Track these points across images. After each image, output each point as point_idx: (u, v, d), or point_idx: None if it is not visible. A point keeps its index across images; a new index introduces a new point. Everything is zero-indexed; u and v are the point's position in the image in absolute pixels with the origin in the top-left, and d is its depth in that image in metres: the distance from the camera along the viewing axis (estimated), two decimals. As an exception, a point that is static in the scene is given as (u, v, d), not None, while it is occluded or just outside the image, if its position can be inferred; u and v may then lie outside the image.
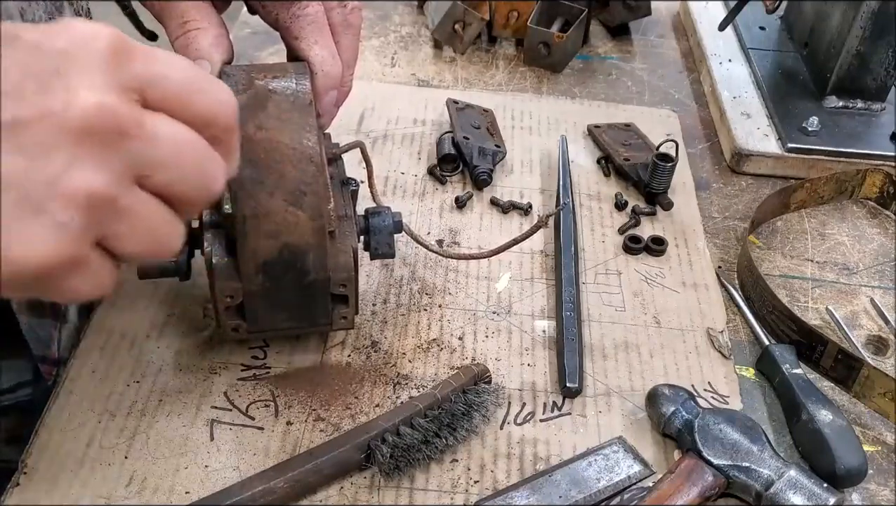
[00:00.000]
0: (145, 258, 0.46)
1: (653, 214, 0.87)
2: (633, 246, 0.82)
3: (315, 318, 0.63)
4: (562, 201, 0.84)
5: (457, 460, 0.63)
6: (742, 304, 0.77)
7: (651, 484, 0.61)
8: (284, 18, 0.61)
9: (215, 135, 0.43)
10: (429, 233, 0.83)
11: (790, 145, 0.94)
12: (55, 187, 0.37)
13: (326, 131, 0.69)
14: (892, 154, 0.94)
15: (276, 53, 1.07)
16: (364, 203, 0.74)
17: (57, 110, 0.37)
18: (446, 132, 0.93)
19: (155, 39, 0.75)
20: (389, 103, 0.99)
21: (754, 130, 0.97)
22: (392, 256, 0.68)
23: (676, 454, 0.64)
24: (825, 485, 0.59)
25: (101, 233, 0.40)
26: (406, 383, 0.68)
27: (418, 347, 0.71)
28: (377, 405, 0.66)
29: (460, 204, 0.86)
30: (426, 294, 0.76)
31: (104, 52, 0.39)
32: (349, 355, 0.70)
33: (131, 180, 0.40)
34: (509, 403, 0.67)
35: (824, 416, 0.64)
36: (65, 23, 0.40)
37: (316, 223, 0.56)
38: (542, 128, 0.99)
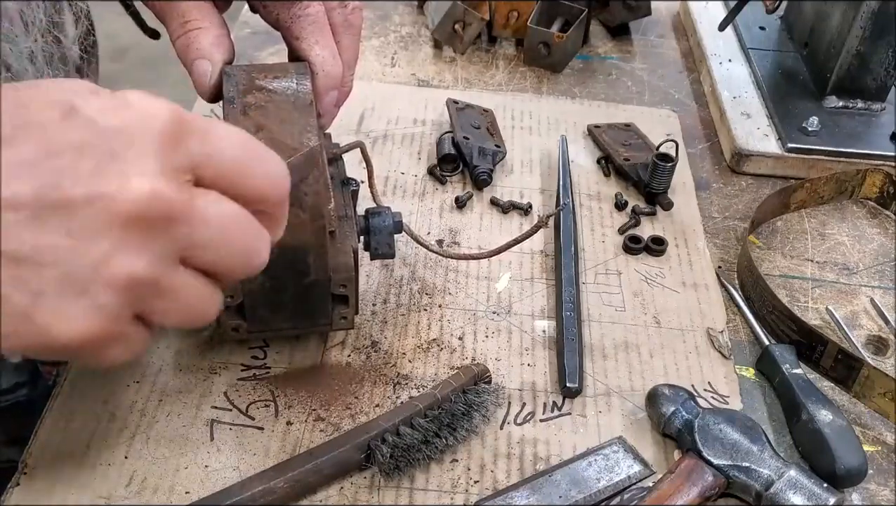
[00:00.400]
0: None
1: (653, 214, 0.87)
2: (633, 246, 0.82)
3: (315, 318, 0.63)
4: (562, 201, 0.84)
5: (457, 460, 0.63)
6: (742, 304, 0.77)
7: (651, 484, 0.61)
8: (285, 18, 0.61)
9: (264, 208, 0.43)
10: (429, 233, 0.83)
11: (790, 145, 0.94)
12: (98, 271, 0.37)
13: (327, 131, 0.69)
14: (892, 154, 0.94)
15: (276, 53, 1.07)
16: (364, 203, 0.74)
17: (109, 195, 0.37)
18: (446, 132, 0.93)
19: (157, 38, 0.75)
20: (389, 103, 0.99)
21: (754, 130, 0.97)
22: (392, 256, 0.68)
23: (676, 454, 0.64)
24: (825, 485, 0.59)
25: (140, 310, 0.40)
26: (406, 383, 0.68)
27: (418, 347, 0.71)
28: (377, 405, 0.66)
29: (460, 204, 0.86)
30: (426, 294, 0.76)
31: (161, 133, 0.38)
32: (349, 355, 0.70)
33: (175, 261, 0.40)
34: (509, 403, 0.67)
35: (824, 416, 0.64)
36: (125, 98, 0.39)
37: (316, 223, 0.56)
38: (542, 128, 0.99)
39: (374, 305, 0.74)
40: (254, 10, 0.65)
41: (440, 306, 0.75)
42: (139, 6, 0.68)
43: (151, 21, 0.68)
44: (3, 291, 0.36)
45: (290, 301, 0.61)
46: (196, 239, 0.40)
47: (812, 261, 0.84)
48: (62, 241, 0.36)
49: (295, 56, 0.62)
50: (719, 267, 0.82)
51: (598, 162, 0.94)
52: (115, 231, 0.37)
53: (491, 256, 0.73)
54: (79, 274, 0.37)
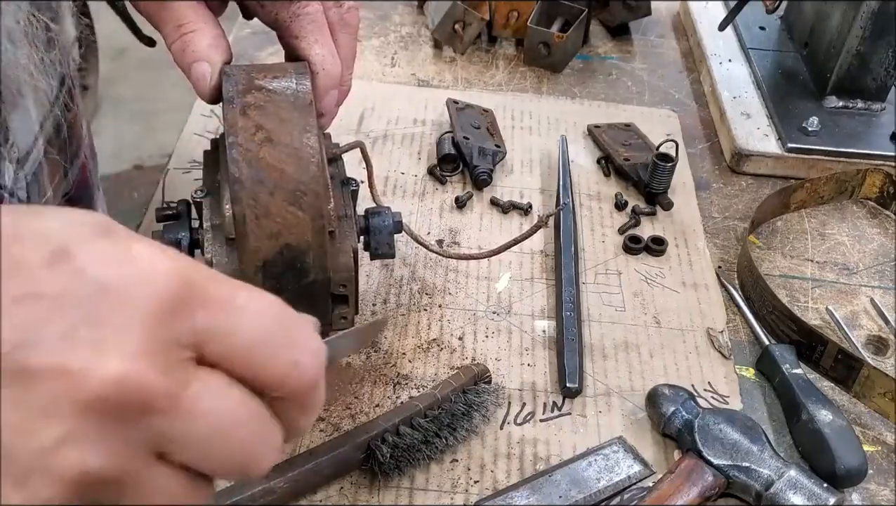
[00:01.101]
0: None
1: (653, 214, 0.87)
2: (633, 246, 0.82)
3: (315, 318, 0.63)
4: (561, 201, 0.84)
5: (457, 460, 0.63)
6: (742, 304, 0.77)
7: (651, 484, 0.61)
8: (284, 17, 0.60)
9: (286, 397, 0.35)
10: (429, 233, 0.83)
11: (790, 145, 0.94)
12: (44, 461, 0.30)
13: (326, 131, 0.69)
14: (892, 154, 0.94)
15: (275, 53, 1.07)
16: (364, 203, 0.74)
17: (73, 371, 0.30)
18: (446, 132, 0.93)
19: (153, 45, 0.74)
20: (389, 103, 0.99)
21: (754, 130, 0.97)
22: (392, 256, 0.68)
23: (676, 454, 0.64)
24: (825, 485, 0.59)
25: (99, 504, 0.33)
26: (406, 383, 0.68)
27: (418, 347, 0.71)
28: (377, 405, 0.66)
29: (460, 204, 0.86)
30: (426, 294, 0.76)
31: (158, 299, 0.31)
32: (349, 355, 0.70)
33: (148, 455, 0.32)
34: (509, 403, 0.67)
35: (824, 416, 0.64)
36: (129, 249, 0.32)
37: (316, 223, 0.56)
38: (542, 128, 0.99)
39: (374, 305, 0.74)
40: (248, 16, 0.64)
41: (440, 306, 0.75)
42: (133, 13, 0.67)
43: (145, 27, 0.67)
44: None
45: (290, 301, 0.60)
46: (176, 434, 0.32)
47: (812, 261, 0.84)
48: (11, 417, 0.30)
49: (293, 56, 0.62)
50: (719, 267, 0.82)
51: (598, 162, 0.94)
52: (72, 416, 0.30)
53: (491, 256, 0.73)
54: (22, 460, 0.30)
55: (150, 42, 0.74)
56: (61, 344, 0.30)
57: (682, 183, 0.91)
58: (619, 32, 1.19)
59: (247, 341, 0.33)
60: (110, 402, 0.30)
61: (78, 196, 0.75)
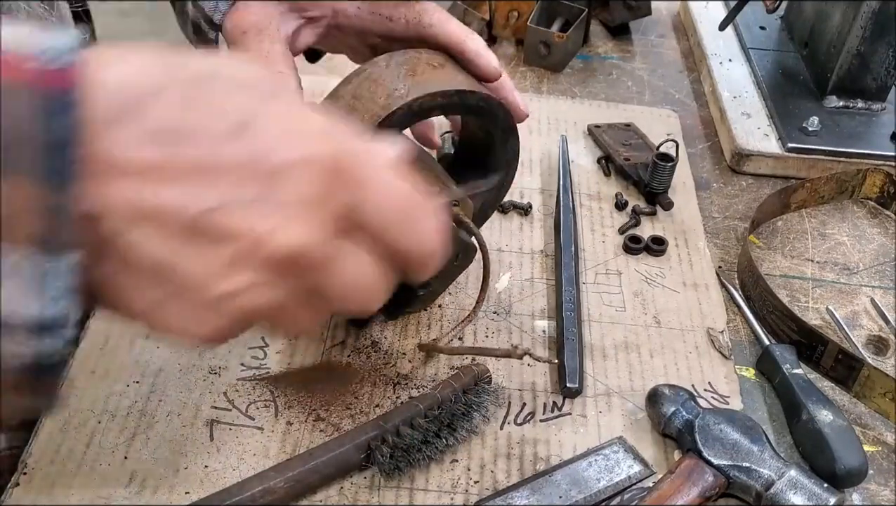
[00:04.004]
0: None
1: (653, 214, 0.87)
2: (634, 246, 0.82)
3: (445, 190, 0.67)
4: (560, 203, 0.84)
5: (457, 461, 0.63)
6: (742, 304, 0.77)
7: (651, 484, 0.61)
8: (412, 16, 0.65)
9: (406, 265, 0.42)
10: (429, 233, 0.83)
11: (790, 145, 0.94)
12: (223, 301, 0.37)
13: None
14: (893, 154, 0.94)
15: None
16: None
17: (261, 236, 0.36)
18: (446, 132, 0.92)
19: None
20: (389, 103, 0.99)
21: (754, 130, 0.97)
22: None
23: (676, 454, 0.64)
24: (825, 485, 0.59)
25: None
26: (406, 383, 0.68)
27: (418, 347, 0.71)
28: (377, 405, 0.66)
29: (460, 204, 0.86)
30: (426, 294, 0.76)
31: (320, 178, 0.37)
32: (349, 355, 0.70)
33: (299, 300, 0.39)
34: (509, 403, 0.67)
35: (824, 416, 0.64)
36: (306, 116, 0.38)
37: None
38: (542, 128, 0.98)
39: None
40: (336, 50, 0.73)
41: (440, 306, 0.75)
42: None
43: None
44: (143, 288, 0.36)
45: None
46: (322, 286, 0.39)
47: (812, 261, 0.84)
48: (200, 261, 0.35)
49: (430, 45, 0.66)
50: (719, 267, 0.82)
51: (599, 162, 0.94)
52: (254, 270, 0.36)
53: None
54: (205, 295, 0.36)
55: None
56: (248, 210, 0.35)
57: (682, 183, 0.91)
58: (619, 32, 1.19)
59: (383, 220, 0.39)
60: (288, 262, 0.37)
61: None
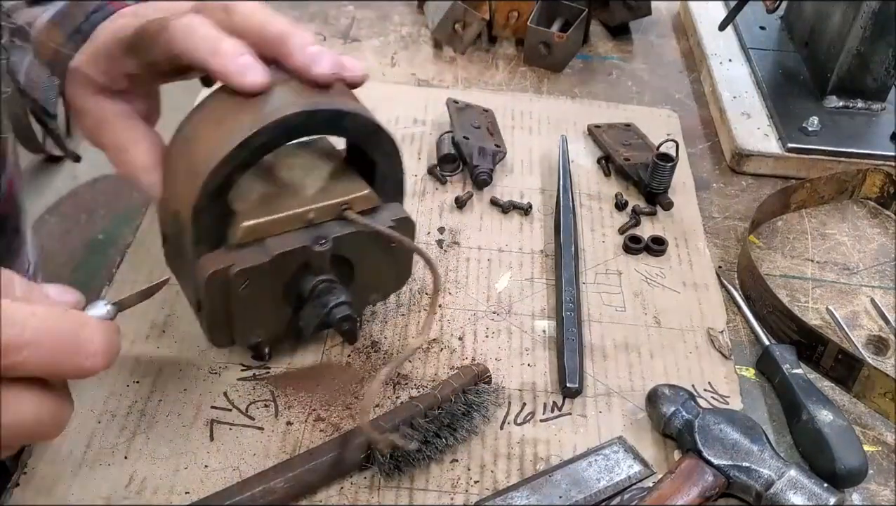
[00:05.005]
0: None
1: (653, 214, 0.87)
2: (634, 246, 0.82)
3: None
4: (560, 202, 0.84)
5: (457, 460, 0.63)
6: (742, 304, 0.77)
7: (651, 484, 0.61)
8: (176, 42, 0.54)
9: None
10: (429, 233, 0.83)
11: (790, 145, 0.94)
12: None
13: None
14: (893, 154, 0.94)
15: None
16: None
17: None
18: (446, 132, 0.93)
19: (79, 161, 0.75)
20: (389, 103, 0.99)
21: (754, 130, 0.97)
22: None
23: (677, 454, 0.64)
24: (825, 485, 0.59)
25: None
26: (406, 383, 0.68)
27: (418, 347, 0.71)
28: (377, 405, 0.66)
29: (460, 204, 0.86)
30: (426, 294, 0.76)
31: None
32: (349, 355, 0.70)
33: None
34: (509, 403, 0.67)
35: (824, 416, 0.64)
36: None
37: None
38: (542, 128, 0.99)
39: (374, 305, 0.74)
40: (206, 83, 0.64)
41: (440, 306, 0.75)
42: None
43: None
44: None
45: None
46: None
47: (812, 261, 0.84)
48: None
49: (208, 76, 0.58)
50: (719, 267, 0.82)
51: (599, 162, 0.94)
52: None
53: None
54: None
55: (76, 158, 0.74)
56: None
57: (682, 183, 0.91)
58: (619, 32, 1.19)
59: (40, 359, 0.41)
60: None
61: (5, 213, 0.77)
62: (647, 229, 0.85)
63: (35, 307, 0.41)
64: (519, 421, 0.66)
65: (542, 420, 0.66)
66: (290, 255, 0.59)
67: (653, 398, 0.65)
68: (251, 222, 0.59)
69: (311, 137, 0.64)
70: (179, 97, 0.73)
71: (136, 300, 0.53)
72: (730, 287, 0.79)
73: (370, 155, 0.64)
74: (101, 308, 0.48)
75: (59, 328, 0.42)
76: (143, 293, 0.54)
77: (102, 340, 0.44)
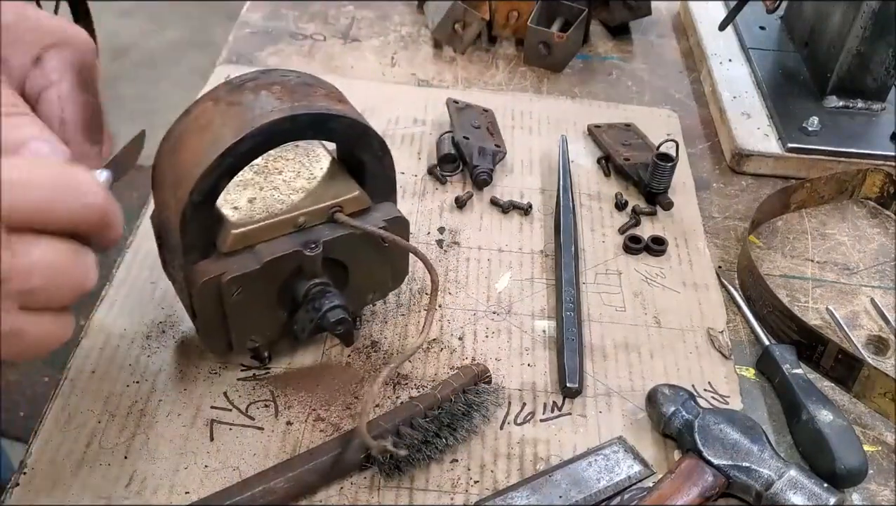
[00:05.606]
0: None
1: (653, 214, 0.87)
2: (634, 246, 0.82)
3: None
4: (560, 203, 0.84)
5: (457, 460, 0.63)
6: (742, 304, 0.77)
7: (651, 484, 0.61)
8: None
9: (86, 231, 0.43)
10: (429, 233, 0.83)
11: (790, 145, 0.94)
12: None
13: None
14: (893, 154, 0.94)
15: (276, 53, 1.07)
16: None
17: None
18: (446, 132, 0.93)
19: None
20: (389, 103, 0.99)
21: (754, 130, 0.97)
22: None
23: (676, 454, 0.64)
24: (825, 485, 0.59)
25: None
26: (406, 383, 0.68)
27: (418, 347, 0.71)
28: (377, 405, 0.66)
29: (460, 204, 0.86)
30: (426, 294, 0.76)
31: None
32: (349, 355, 0.70)
33: (13, 308, 0.41)
34: (509, 403, 0.67)
35: (824, 416, 0.64)
36: None
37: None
38: (542, 128, 0.99)
39: (374, 304, 0.74)
40: None
41: (440, 306, 0.75)
42: None
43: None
44: None
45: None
46: (27, 288, 0.41)
47: (812, 261, 0.84)
48: None
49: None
50: (719, 267, 0.82)
51: (599, 162, 0.94)
52: None
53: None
54: None
55: None
56: None
57: (682, 183, 0.91)
58: (619, 32, 1.19)
59: (38, 202, 0.41)
60: None
61: None
62: (647, 229, 0.85)
63: (48, 248, 0.42)
64: (519, 421, 0.66)
65: (542, 420, 0.66)
66: (281, 260, 0.59)
67: (653, 398, 0.65)
68: (241, 230, 0.59)
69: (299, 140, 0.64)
70: (180, 97, 0.73)
71: (127, 159, 0.51)
72: (730, 287, 0.79)
73: (359, 156, 0.64)
74: (97, 176, 0.47)
75: (53, 169, 0.42)
76: (128, 151, 0.52)
77: (101, 186, 0.44)
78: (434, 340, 0.72)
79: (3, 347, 0.42)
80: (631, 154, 0.92)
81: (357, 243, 0.63)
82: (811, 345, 0.71)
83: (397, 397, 0.66)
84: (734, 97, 1.02)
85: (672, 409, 0.64)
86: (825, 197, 0.91)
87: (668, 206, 0.87)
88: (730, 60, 1.09)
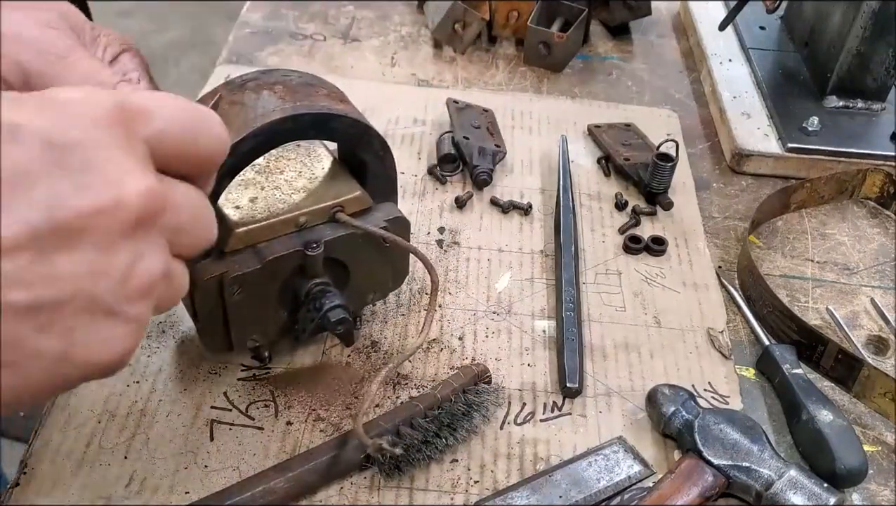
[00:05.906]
0: None
1: (653, 214, 0.87)
2: (634, 246, 0.82)
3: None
4: (560, 203, 0.84)
5: (457, 460, 0.63)
6: (742, 304, 0.77)
7: (651, 484, 0.61)
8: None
9: (209, 170, 0.42)
10: (429, 233, 0.83)
11: (790, 145, 0.94)
12: (125, 285, 0.35)
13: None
14: (893, 154, 0.94)
15: (276, 53, 1.07)
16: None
17: (109, 205, 0.34)
18: (446, 132, 0.93)
19: None
20: (389, 103, 0.99)
21: (754, 130, 0.97)
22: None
23: (676, 454, 0.64)
24: (825, 485, 0.59)
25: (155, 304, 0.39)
26: (406, 383, 0.68)
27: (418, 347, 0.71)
28: (377, 405, 0.66)
29: (460, 204, 0.86)
30: (426, 294, 0.76)
31: (112, 127, 0.35)
32: (349, 355, 0.70)
33: (168, 253, 0.39)
34: (509, 403, 0.67)
35: (824, 416, 0.64)
36: (52, 97, 0.35)
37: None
38: (542, 128, 0.99)
39: (374, 304, 0.74)
40: None
41: (440, 306, 0.75)
42: None
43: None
44: (34, 347, 0.33)
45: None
46: (175, 226, 0.38)
47: (812, 261, 0.84)
48: (78, 268, 0.33)
49: None
50: (719, 267, 0.82)
51: (599, 162, 0.94)
52: (129, 241, 0.35)
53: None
54: (105, 295, 0.35)
55: None
56: (80, 193, 0.33)
57: (682, 183, 0.91)
58: (619, 32, 1.19)
59: (179, 136, 0.39)
60: (147, 213, 0.36)
61: None
62: (647, 229, 0.85)
63: (188, 188, 0.40)
64: (519, 421, 0.66)
65: (542, 420, 0.66)
66: (282, 260, 0.59)
67: (653, 398, 0.65)
68: (243, 229, 0.59)
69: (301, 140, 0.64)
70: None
71: None
72: (730, 287, 0.79)
73: (360, 156, 0.64)
74: None
75: (187, 102, 0.40)
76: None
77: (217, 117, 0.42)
78: (434, 340, 0.72)
79: (160, 292, 0.38)
80: (631, 154, 0.92)
81: (358, 243, 0.63)
82: (811, 345, 0.71)
83: (397, 397, 0.66)
84: (734, 97, 1.02)
85: (672, 409, 0.64)
86: (825, 197, 0.91)
87: (668, 206, 0.87)
88: (730, 60, 1.09)
